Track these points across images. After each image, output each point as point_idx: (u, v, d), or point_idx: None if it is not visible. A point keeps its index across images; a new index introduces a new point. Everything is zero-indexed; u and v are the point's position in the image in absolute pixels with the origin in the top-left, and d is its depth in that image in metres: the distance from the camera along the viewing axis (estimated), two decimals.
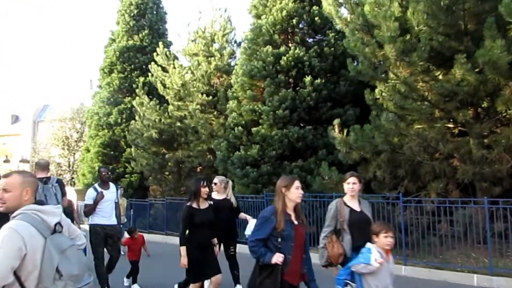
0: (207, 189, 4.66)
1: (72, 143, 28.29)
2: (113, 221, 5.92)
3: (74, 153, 28.31)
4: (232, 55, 14.15)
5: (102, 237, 5.80)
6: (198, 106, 12.73)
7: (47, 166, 5.56)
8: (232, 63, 13.93)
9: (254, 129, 10.61)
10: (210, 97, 13.05)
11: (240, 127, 10.86)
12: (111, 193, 5.95)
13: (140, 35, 20.20)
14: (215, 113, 13.14)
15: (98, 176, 6.34)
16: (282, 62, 10.46)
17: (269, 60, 10.58)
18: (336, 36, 10.91)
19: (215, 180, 5.86)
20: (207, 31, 14.11)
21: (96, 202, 5.72)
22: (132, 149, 15.80)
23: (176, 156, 13.74)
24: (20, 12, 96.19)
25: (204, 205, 4.64)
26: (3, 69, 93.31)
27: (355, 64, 8.13)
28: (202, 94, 13.00)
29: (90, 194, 5.85)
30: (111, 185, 6.07)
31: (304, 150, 10.26)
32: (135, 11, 20.43)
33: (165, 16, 21.57)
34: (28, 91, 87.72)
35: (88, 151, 20.63)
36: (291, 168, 9.91)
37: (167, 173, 14.61)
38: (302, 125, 10.39)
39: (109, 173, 6.27)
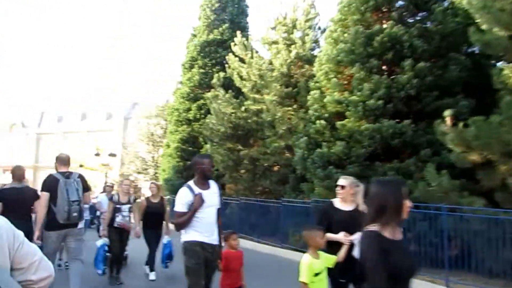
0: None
1: (156, 139, 29.04)
2: (214, 239, 3.96)
3: (158, 149, 29.03)
4: (315, 42, 12.68)
5: (203, 262, 3.85)
6: (276, 98, 11.48)
7: (68, 160, 5.27)
8: (315, 52, 12.47)
9: (339, 123, 9.04)
10: (290, 88, 11.73)
11: (322, 121, 9.37)
12: (213, 195, 4.00)
13: (221, 29, 19.73)
14: (295, 106, 11.79)
15: (195, 169, 4.05)
16: (375, 44, 8.73)
17: (359, 42, 8.91)
18: (446, 12, 8.85)
19: (343, 182, 3.97)
20: (288, 17, 12.81)
21: (194, 209, 3.82)
22: (208, 145, 15.14)
23: (251, 153, 12.67)
24: (110, 11, 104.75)
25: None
26: (99, 68, 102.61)
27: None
28: (280, 85, 11.74)
29: (184, 197, 3.89)
30: (212, 183, 4.08)
31: (401, 148, 8.42)
32: (216, 5, 20.01)
33: (246, 9, 20.87)
34: (120, 89, 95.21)
35: (168, 146, 20.68)
36: (384, 170, 8.15)
37: (242, 171, 13.63)
38: (399, 118, 8.55)
39: (213, 166, 4.56)
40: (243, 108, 13.09)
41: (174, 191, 19.38)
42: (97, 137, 37.55)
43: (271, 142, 11.84)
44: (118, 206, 6.54)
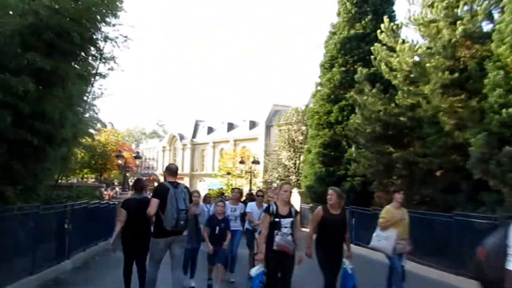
0: None
1: (297, 145, 28.59)
2: None
3: (299, 155, 28.51)
4: (488, 16, 10.09)
5: None
6: (438, 87, 9.39)
7: (176, 171, 5.63)
8: (486, 28, 9.92)
9: None
10: (456, 74, 9.47)
11: (510, 109, 7.06)
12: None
13: (363, 22, 18.09)
14: (463, 95, 9.46)
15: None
16: None
17: None
18: None
19: None
20: None
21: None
22: (353, 148, 13.61)
23: (406, 155, 10.70)
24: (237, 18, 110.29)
25: None
26: (239, 74, 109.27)
27: None
28: (443, 71, 9.58)
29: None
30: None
31: None
32: None
33: None
34: (261, 96, 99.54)
35: (309, 152, 19.79)
36: None
37: (394, 177, 11.71)
38: None
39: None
40: (394, 104, 11.23)
41: (316, 199, 18.39)
42: (243, 145, 39.28)
43: (433, 141, 9.72)
44: (277, 219, 4.84)
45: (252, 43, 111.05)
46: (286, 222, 4.79)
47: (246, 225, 7.93)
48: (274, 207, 4.89)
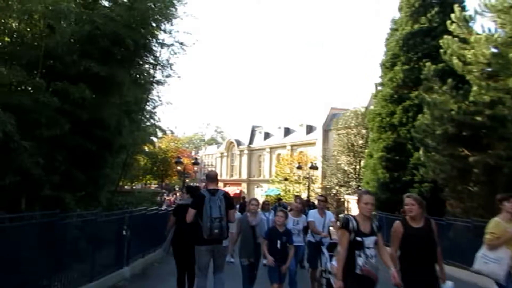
0: None
1: (357, 149, 27.41)
2: None
3: (359, 160, 27.30)
4: None
5: None
6: None
7: (216, 177, 5.77)
8: None
9: None
10: None
11: None
12: None
13: (428, 15, 16.84)
14: None
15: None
16: None
17: None
18: None
19: None
20: None
21: None
22: (421, 152, 12.51)
23: (486, 159, 9.53)
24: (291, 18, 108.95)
25: None
26: (295, 78, 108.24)
27: None
28: None
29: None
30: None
31: None
32: None
33: None
34: (318, 100, 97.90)
35: (371, 156, 18.71)
36: None
37: (471, 183, 10.52)
38: None
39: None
40: (468, 101, 10.10)
41: (380, 207, 17.28)
42: (300, 150, 38.58)
43: None
44: (358, 238, 3.93)
45: (309, 45, 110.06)
46: (369, 241, 3.95)
47: (309, 237, 7.02)
48: (354, 223, 3.98)
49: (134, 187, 33.58)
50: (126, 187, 26.00)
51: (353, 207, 23.32)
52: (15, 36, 5.91)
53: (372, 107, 19.39)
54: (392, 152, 16.98)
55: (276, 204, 15.45)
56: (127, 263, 8.46)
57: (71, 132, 6.24)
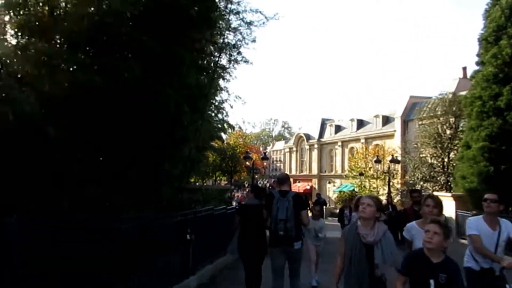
0: None
1: (445, 140, 24.28)
2: None
3: (448, 152, 24.17)
4: None
5: None
6: None
7: (287, 179, 5.60)
8: None
9: None
10: None
11: None
12: None
13: None
14: None
15: None
16: None
17: None
18: None
19: None
20: None
21: None
22: None
23: None
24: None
25: None
26: (366, 66, 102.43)
27: None
28: None
29: None
30: None
31: None
32: None
33: None
34: (393, 89, 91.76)
35: (468, 147, 16.00)
36: None
37: None
38: None
39: None
40: None
41: (481, 205, 14.59)
42: (375, 143, 35.77)
43: None
44: None
45: (380, 31, 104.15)
46: None
47: (467, 260, 4.21)
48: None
49: (205, 184, 33.42)
50: (197, 184, 25.72)
51: (446, 205, 20.47)
52: (54, 3, 4.91)
53: (470, 90, 16.53)
54: (497, 141, 14.25)
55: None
56: (192, 272, 7.36)
57: (117, 119, 5.13)
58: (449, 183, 22.87)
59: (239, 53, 10.99)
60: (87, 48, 5.19)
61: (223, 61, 10.98)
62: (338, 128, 44.14)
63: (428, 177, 24.70)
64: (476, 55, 16.43)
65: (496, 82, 14.53)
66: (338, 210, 24.87)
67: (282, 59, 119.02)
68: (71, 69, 4.70)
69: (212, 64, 10.11)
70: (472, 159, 15.18)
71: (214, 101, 13.37)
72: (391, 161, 22.77)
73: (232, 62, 11.07)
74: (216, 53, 10.28)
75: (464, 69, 31.16)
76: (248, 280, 5.98)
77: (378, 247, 3.48)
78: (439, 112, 25.08)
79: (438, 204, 4.05)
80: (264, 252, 5.69)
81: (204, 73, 9.02)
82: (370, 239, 3.50)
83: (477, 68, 16.29)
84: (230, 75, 12.22)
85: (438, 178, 24.27)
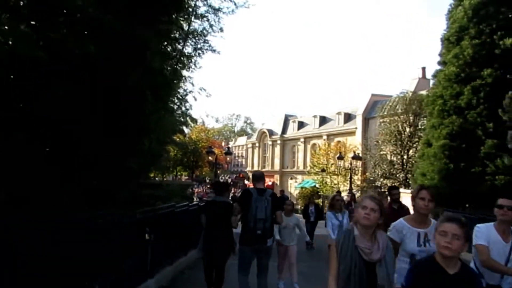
0: None
1: (405, 138, 24.86)
2: None
3: (407, 150, 24.76)
4: None
5: None
6: None
7: (262, 177, 5.59)
8: None
9: None
10: None
11: None
12: None
13: None
14: None
15: None
16: None
17: None
18: None
19: None
20: None
21: None
22: (509, 135, 10.19)
23: None
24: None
25: None
26: (329, 63, 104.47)
27: None
28: None
29: None
30: None
31: None
32: None
33: None
34: (356, 88, 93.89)
35: (429, 145, 16.31)
36: None
37: None
38: None
39: None
40: None
41: (441, 202, 14.96)
42: (337, 140, 36.18)
43: None
44: None
45: (344, 30, 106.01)
46: None
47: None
48: None
49: (165, 179, 32.33)
50: (157, 179, 24.73)
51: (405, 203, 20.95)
52: None
53: (423, 92, 16.85)
54: (457, 140, 14.58)
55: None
56: (151, 275, 6.76)
57: (67, 102, 4.45)
58: (408, 180, 23.46)
59: (205, 41, 10.42)
60: (33, 22, 4.46)
61: (188, 49, 10.38)
62: (301, 125, 44.34)
63: (388, 174, 25.21)
64: (439, 54, 16.77)
65: (458, 81, 14.84)
66: (300, 207, 24.91)
67: (247, 54, 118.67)
68: (10, 42, 3.98)
69: (176, 52, 9.48)
70: (433, 156, 15.47)
71: (177, 93, 12.70)
72: (353, 158, 23.00)
73: (198, 51, 10.47)
74: (181, 41, 9.65)
75: (423, 69, 32.15)
76: (208, 279, 5.91)
77: (382, 265, 2.79)
78: (399, 110, 25.64)
79: (434, 197, 3.38)
80: (230, 251, 5.73)
81: (169, 60, 8.39)
82: (374, 256, 2.77)
83: (439, 67, 16.62)
84: (195, 66, 11.65)
85: (397, 175, 24.83)
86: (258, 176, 5.52)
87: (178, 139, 23.62)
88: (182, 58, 9.80)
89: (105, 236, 5.20)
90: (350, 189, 22.14)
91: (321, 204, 20.03)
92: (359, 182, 29.91)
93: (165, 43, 7.38)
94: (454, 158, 14.52)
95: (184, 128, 22.35)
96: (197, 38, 9.88)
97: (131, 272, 6.10)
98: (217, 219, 5.60)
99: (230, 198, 8.65)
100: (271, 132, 48.11)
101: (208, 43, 10.27)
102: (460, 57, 14.74)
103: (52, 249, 4.06)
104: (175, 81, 9.90)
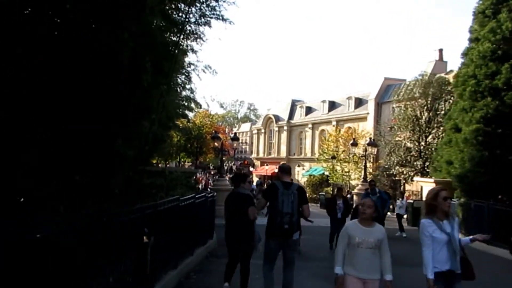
0: None
1: (423, 124, 23.36)
2: None
3: (425, 136, 23.29)
4: None
5: None
6: None
7: (290, 170, 5.79)
8: None
9: None
10: None
11: None
12: None
13: None
14: None
15: None
16: None
17: None
18: None
19: None
20: None
21: None
22: None
23: None
24: None
25: None
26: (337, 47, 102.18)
27: None
28: None
29: None
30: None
31: None
32: None
33: None
34: (367, 72, 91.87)
35: (458, 130, 14.87)
36: None
37: None
38: None
39: None
40: None
41: (471, 193, 13.60)
42: (347, 126, 34.66)
43: None
44: None
45: (353, 12, 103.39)
46: None
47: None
48: None
49: (168, 166, 31.05)
50: (160, 165, 23.45)
51: (424, 190, 19.55)
52: None
53: (462, 69, 15.25)
54: (492, 124, 13.13)
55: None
56: (151, 283, 5.49)
57: (46, 65, 3.08)
58: (426, 168, 22.05)
59: (213, 8, 8.96)
60: None
61: (194, 18, 8.94)
62: (309, 110, 42.76)
63: (404, 161, 23.81)
64: (469, 31, 15.20)
65: (494, 59, 13.34)
66: (309, 195, 23.48)
67: (253, 38, 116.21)
68: None
69: (180, 17, 8.04)
70: (463, 142, 14.05)
71: (182, 67, 11.27)
72: (368, 144, 21.54)
73: (205, 18, 9.03)
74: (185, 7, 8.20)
75: (441, 51, 30.45)
76: (229, 267, 5.80)
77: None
78: (417, 94, 24.08)
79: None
80: (252, 242, 5.68)
81: (173, 27, 6.96)
82: None
83: (470, 45, 15.04)
84: (202, 38, 10.21)
85: (415, 163, 23.42)
86: (287, 170, 5.59)
87: (181, 125, 22.33)
88: (186, 27, 8.35)
89: (93, 242, 3.91)
90: (365, 177, 20.74)
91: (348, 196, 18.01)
92: (370, 170, 28.53)
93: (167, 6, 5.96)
94: (488, 144, 13.12)
95: (188, 112, 21.01)
96: (202, 3, 8.43)
97: (127, 282, 4.83)
98: (238, 212, 5.53)
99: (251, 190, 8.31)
100: (277, 118, 46.58)
101: (215, 10, 8.79)
102: (497, 31, 13.21)
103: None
104: (177, 52, 8.45)
